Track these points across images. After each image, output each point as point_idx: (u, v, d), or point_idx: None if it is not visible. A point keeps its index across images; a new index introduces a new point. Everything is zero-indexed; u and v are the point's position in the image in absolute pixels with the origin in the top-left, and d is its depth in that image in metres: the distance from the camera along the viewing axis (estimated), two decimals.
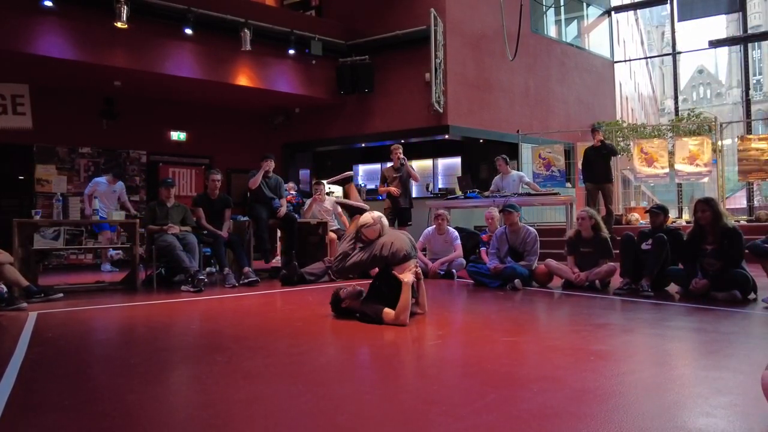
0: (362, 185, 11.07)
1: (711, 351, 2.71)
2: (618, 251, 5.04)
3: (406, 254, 3.60)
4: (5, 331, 3.51)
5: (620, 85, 17.19)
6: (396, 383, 2.27)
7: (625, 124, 12.55)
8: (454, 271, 6.26)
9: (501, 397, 1.97)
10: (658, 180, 9.65)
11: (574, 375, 2.24)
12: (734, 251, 4.24)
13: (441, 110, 9.42)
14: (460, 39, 9.84)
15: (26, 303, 4.38)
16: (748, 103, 12.19)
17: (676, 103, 13.95)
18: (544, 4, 11.61)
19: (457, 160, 12.07)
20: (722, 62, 77.15)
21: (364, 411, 1.87)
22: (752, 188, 10.82)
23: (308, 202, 7.67)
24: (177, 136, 10.33)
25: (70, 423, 1.80)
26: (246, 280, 5.66)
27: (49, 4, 7.17)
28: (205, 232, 6.04)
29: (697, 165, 9.13)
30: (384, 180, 7.52)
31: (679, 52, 14.62)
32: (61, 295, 4.88)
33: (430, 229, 6.65)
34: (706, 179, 9.27)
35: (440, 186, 11.75)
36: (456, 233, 6.56)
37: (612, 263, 5.07)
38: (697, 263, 4.42)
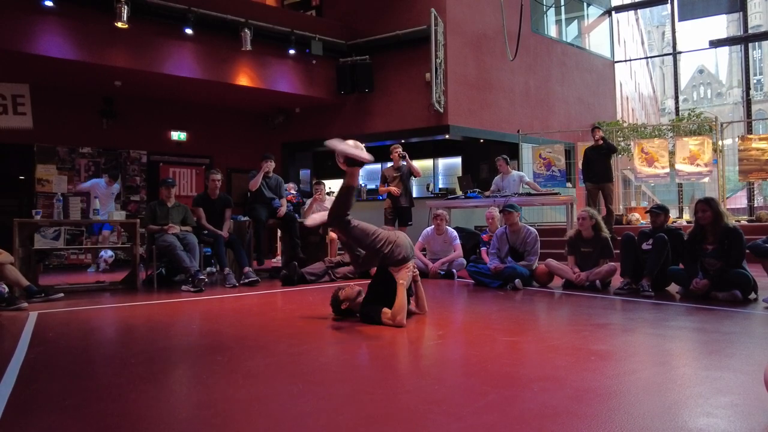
0: (362, 185, 11.07)
1: (712, 351, 2.71)
2: (618, 251, 5.04)
3: (404, 256, 3.59)
4: (6, 331, 3.51)
5: (621, 85, 17.19)
6: (396, 383, 2.26)
7: (625, 124, 12.55)
8: (454, 271, 6.26)
9: (501, 396, 1.97)
10: (659, 180, 9.65)
11: (574, 375, 2.24)
12: (735, 251, 4.24)
13: (441, 110, 9.42)
14: (460, 39, 9.84)
15: (27, 303, 4.38)
16: (748, 102, 12.18)
17: (677, 103, 13.95)
18: (544, 4, 11.61)
19: (457, 160, 12.08)
20: (723, 62, 77.24)
21: (364, 411, 1.86)
22: (753, 188, 10.82)
23: (308, 201, 7.68)
24: (177, 136, 10.33)
25: (70, 423, 1.80)
26: (246, 280, 5.66)
27: (49, 3, 7.18)
28: (206, 232, 6.05)
29: (697, 165, 9.13)
30: (384, 180, 7.51)
31: (680, 52, 14.61)
32: (61, 295, 4.88)
33: (429, 229, 6.65)
34: (706, 179, 9.27)
35: (440, 186, 11.77)
36: (455, 233, 6.56)
37: (612, 263, 5.07)
38: (698, 263, 4.42)
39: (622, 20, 18.19)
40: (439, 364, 2.62)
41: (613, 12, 14.56)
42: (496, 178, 8.15)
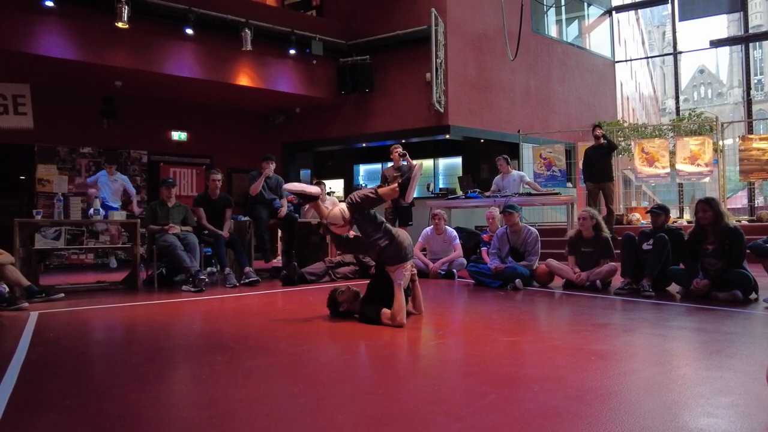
0: (362, 185, 11.07)
1: (712, 351, 2.71)
2: (619, 251, 5.04)
3: (401, 254, 3.56)
4: (6, 331, 3.51)
5: (621, 84, 17.18)
6: (396, 383, 2.26)
7: (626, 124, 12.54)
8: (454, 271, 6.26)
9: (502, 397, 1.97)
10: (659, 180, 9.65)
11: (575, 375, 2.24)
12: (735, 251, 4.23)
13: (442, 110, 9.42)
14: (460, 39, 9.84)
15: (27, 303, 4.38)
16: (749, 102, 12.17)
17: (677, 102, 13.94)
18: (545, 4, 11.61)
19: (457, 160, 12.07)
20: (723, 62, 77.20)
21: (364, 411, 1.86)
22: (753, 188, 10.80)
23: None
24: (178, 136, 10.33)
25: (71, 423, 1.80)
26: (247, 280, 5.66)
27: (50, 4, 7.18)
28: (206, 231, 6.05)
29: (698, 165, 9.13)
30: (384, 180, 7.51)
31: (680, 52, 14.61)
32: (62, 295, 4.88)
33: (428, 229, 6.65)
34: (707, 179, 9.26)
35: (441, 186, 11.76)
36: (455, 233, 6.56)
37: (613, 263, 5.07)
38: (698, 263, 4.42)
39: (622, 20, 18.18)
40: (439, 364, 2.62)
41: (613, 12, 14.55)
42: (496, 178, 8.15)
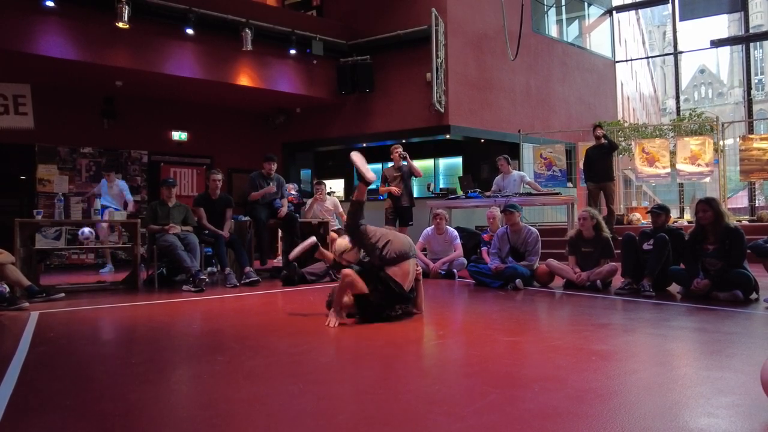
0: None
1: (713, 351, 2.70)
2: (619, 251, 5.04)
3: (401, 254, 3.58)
4: (7, 331, 3.52)
5: (622, 84, 17.17)
6: (397, 383, 2.26)
7: (626, 124, 12.54)
8: (455, 270, 6.26)
9: (502, 396, 1.97)
10: (660, 180, 9.64)
11: (575, 375, 2.24)
12: (736, 251, 4.23)
13: (442, 110, 9.42)
14: (461, 39, 9.84)
15: (28, 303, 4.38)
16: (749, 102, 12.16)
17: (678, 102, 13.93)
18: (545, 3, 11.60)
19: (458, 160, 12.08)
20: (724, 62, 77.17)
21: (364, 411, 1.86)
22: (754, 188, 10.80)
23: (309, 201, 7.68)
24: (178, 136, 10.33)
25: (71, 423, 1.80)
26: (247, 280, 5.67)
27: (50, 4, 7.19)
28: (206, 231, 6.05)
29: (698, 165, 9.12)
30: (385, 180, 7.52)
31: (681, 52, 14.60)
32: (62, 294, 4.89)
33: (429, 229, 6.65)
34: (707, 179, 9.25)
35: (441, 186, 11.76)
36: (455, 233, 6.56)
37: (613, 263, 5.07)
38: (699, 263, 4.41)
39: (622, 20, 18.17)
40: (439, 364, 2.62)
41: (613, 12, 14.54)
42: (496, 177, 8.14)
